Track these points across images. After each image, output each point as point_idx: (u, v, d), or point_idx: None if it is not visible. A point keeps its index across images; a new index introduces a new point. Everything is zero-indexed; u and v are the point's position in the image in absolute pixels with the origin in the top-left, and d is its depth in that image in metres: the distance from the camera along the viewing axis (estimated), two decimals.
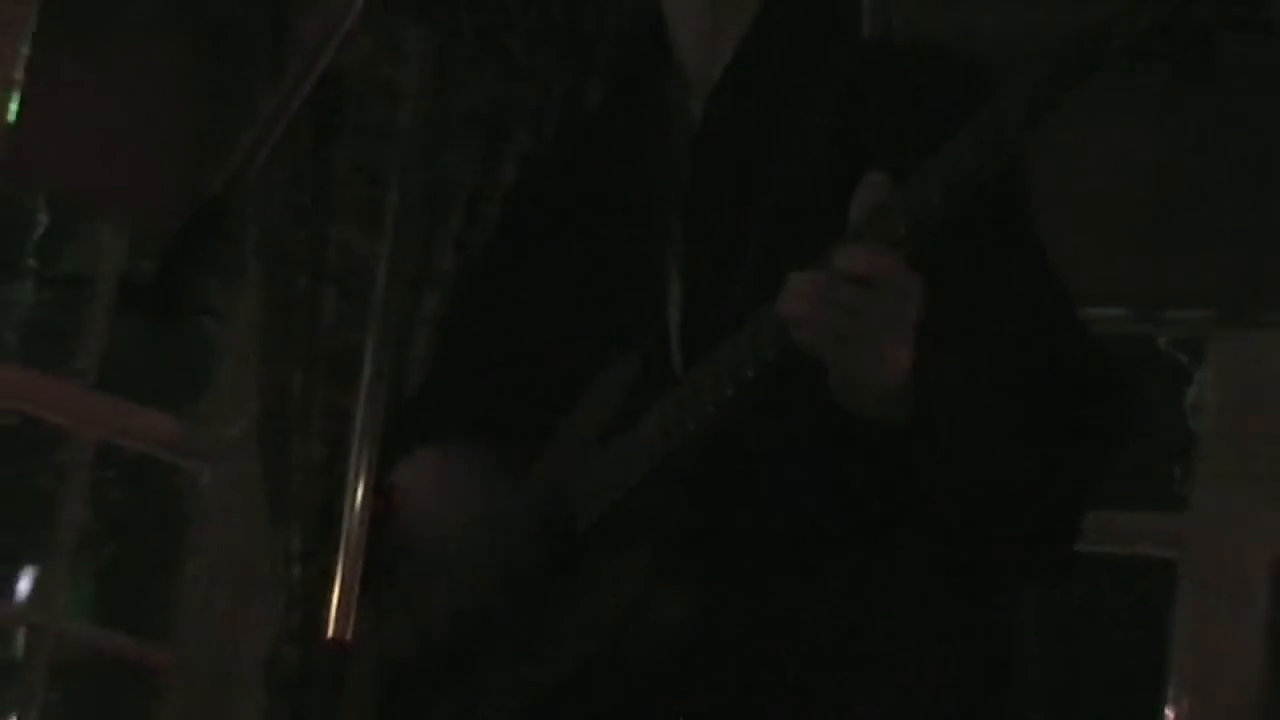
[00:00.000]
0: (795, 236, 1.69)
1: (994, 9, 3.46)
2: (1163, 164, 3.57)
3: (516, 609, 1.85)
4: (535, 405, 1.93)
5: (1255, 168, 3.53)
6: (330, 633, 1.52)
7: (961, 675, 1.80)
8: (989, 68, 1.75)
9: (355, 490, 1.54)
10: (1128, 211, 3.61)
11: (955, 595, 1.81)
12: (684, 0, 1.91)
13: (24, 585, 4.55)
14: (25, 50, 3.88)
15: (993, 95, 1.59)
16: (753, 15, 1.88)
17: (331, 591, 1.53)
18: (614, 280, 1.93)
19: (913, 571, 1.79)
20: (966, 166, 1.57)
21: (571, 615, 1.80)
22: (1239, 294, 3.57)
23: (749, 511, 1.78)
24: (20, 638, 4.40)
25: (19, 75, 3.88)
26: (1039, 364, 1.77)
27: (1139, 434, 1.80)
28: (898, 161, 1.62)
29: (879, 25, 2.40)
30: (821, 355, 1.62)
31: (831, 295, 1.59)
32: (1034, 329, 1.80)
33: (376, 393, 1.58)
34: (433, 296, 3.77)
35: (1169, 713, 3.60)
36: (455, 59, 3.70)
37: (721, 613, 1.76)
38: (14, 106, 3.88)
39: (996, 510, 1.74)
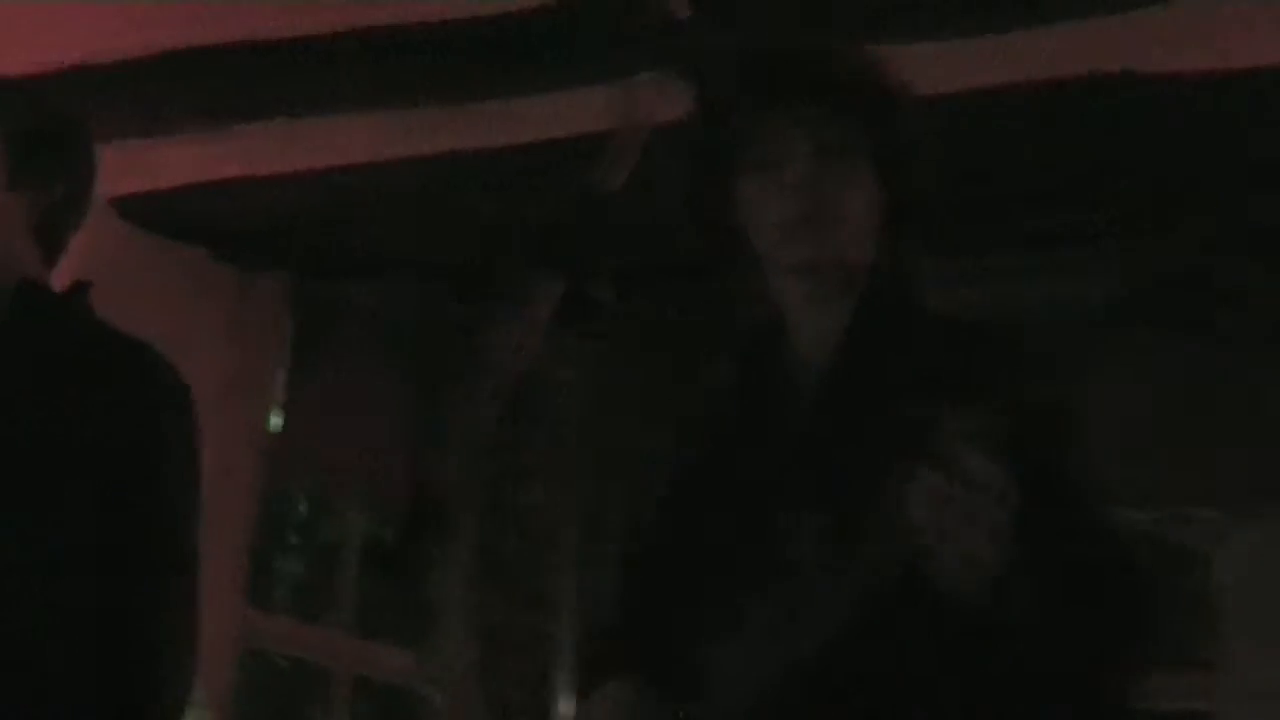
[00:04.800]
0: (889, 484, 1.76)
1: (1010, 291, 3.94)
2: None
3: None
4: (690, 634, 2.01)
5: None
6: None
7: None
8: (1017, 328, 1.97)
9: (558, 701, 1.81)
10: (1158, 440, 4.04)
11: None
12: (799, 306, 2.14)
13: None
14: (283, 380, 4.50)
15: (1016, 355, 1.85)
16: (850, 314, 2.11)
17: None
18: (744, 534, 2.03)
19: None
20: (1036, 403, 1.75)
21: None
22: (1246, 498, 4.09)
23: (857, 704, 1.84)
24: None
25: (280, 397, 4.48)
26: (1085, 557, 1.84)
27: (1162, 611, 1.91)
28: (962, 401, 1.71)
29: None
30: (938, 556, 1.68)
31: (952, 500, 1.65)
32: (1081, 530, 1.87)
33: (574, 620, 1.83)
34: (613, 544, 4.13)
35: None
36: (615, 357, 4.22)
37: None
38: (277, 420, 4.48)
39: (1057, 669, 1.81)
